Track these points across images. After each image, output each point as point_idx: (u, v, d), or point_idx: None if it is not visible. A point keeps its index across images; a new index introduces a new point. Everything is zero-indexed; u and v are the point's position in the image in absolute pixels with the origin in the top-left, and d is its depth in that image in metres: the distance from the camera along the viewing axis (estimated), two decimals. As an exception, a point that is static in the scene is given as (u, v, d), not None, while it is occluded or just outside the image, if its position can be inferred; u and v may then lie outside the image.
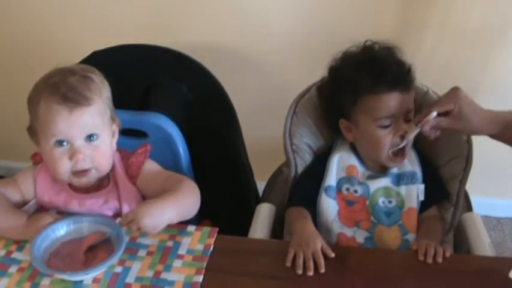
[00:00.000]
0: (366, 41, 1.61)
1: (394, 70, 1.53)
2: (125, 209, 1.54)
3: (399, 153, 1.58)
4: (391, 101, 1.53)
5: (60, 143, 1.44)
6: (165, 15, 2.37)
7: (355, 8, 2.26)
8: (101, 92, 1.47)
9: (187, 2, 2.33)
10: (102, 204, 1.53)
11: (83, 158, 1.45)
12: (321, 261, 1.38)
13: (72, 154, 1.44)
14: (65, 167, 1.46)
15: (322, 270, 1.37)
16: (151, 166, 1.60)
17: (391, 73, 1.52)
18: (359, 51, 1.60)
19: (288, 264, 1.39)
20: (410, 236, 1.59)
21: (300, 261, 1.38)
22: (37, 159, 1.58)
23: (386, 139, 1.55)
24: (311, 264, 1.37)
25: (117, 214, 1.54)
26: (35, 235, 1.39)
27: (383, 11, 2.26)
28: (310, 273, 1.36)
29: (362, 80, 1.54)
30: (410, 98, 1.55)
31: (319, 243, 1.43)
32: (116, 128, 1.55)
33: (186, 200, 1.49)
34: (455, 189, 1.64)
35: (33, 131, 1.49)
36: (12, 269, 1.37)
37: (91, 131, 1.45)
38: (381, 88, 1.52)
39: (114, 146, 1.56)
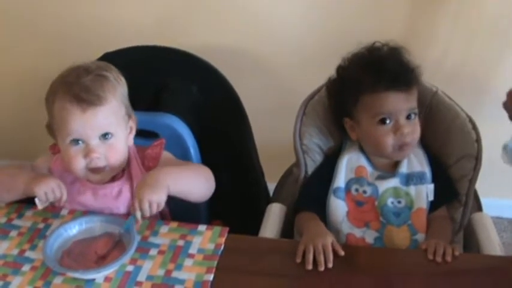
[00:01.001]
0: (374, 42, 1.62)
1: (393, 69, 1.55)
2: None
3: (404, 147, 1.58)
4: (390, 99, 1.54)
5: (75, 141, 1.47)
6: (175, 17, 2.39)
7: (365, 9, 2.26)
8: (116, 90, 1.49)
9: (197, 4, 2.35)
10: (115, 196, 1.55)
11: (97, 156, 1.47)
12: (330, 256, 1.39)
13: (87, 153, 1.47)
14: (80, 164, 1.48)
15: (330, 265, 1.38)
16: (167, 156, 1.63)
17: (390, 72, 1.54)
18: (365, 51, 1.61)
19: (298, 260, 1.40)
20: (420, 236, 1.60)
21: (310, 256, 1.39)
22: (55, 150, 1.60)
23: (388, 137, 1.56)
24: (322, 259, 1.38)
25: (129, 210, 1.56)
26: (35, 187, 1.44)
27: (393, 13, 2.26)
28: (321, 268, 1.37)
29: (363, 79, 1.56)
30: (412, 97, 1.56)
31: (329, 238, 1.44)
32: (133, 124, 1.58)
33: (188, 173, 1.54)
34: (465, 189, 1.64)
35: (50, 129, 1.53)
36: (26, 267, 1.39)
37: (105, 130, 1.47)
38: (379, 86, 1.54)
39: (131, 142, 1.58)
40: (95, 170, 1.50)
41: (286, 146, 1.76)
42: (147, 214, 1.39)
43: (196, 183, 1.56)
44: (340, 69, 1.66)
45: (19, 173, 1.53)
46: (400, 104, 1.54)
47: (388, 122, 1.56)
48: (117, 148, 1.50)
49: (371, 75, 1.55)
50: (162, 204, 1.42)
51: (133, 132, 1.58)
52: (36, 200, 1.45)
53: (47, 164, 1.60)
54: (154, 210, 1.40)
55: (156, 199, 1.39)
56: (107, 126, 1.47)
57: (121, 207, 1.57)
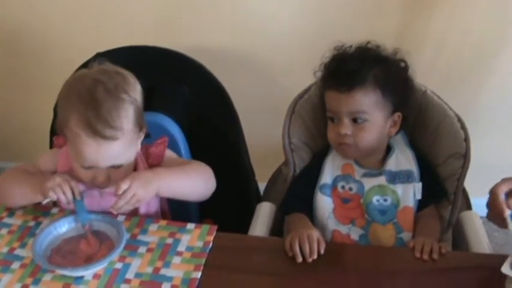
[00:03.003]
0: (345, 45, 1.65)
1: (337, 69, 1.59)
2: None
3: (342, 146, 1.61)
4: (330, 98, 1.60)
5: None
6: (166, 17, 2.40)
7: (358, 9, 2.27)
8: (131, 114, 1.45)
9: (188, 4, 2.35)
10: None
11: (102, 180, 1.49)
12: (315, 246, 1.41)
13: (95, 175, 1.48)
14: (85, 178, 1.50)
15: (315, 256, 1.40)
16: (170, 155, 1.65)
17: (333, 72, 1.60)
18: (334, 51, 1.65)
19: (290, 253, 1.42)
20: (405, 235, 1.60)
21: (296, 248, 1.41)
22: (60, 143, 1.61)
23: (331, 133, 1.62)
24: (307, 247, 1.40)
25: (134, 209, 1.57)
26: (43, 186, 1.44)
27: (386, 14, 2.27)
28: (309, 259, 1.39)
29: (323, 76, 1.64)
30: (354, 100, 1.56)
31: (315, 232, 1.46)
32: (143, 132, 1.56)
33: (185, 175, 1.55)
34: (453, 188, 1.65)
35: (60, 129, 1.50)
36: (15, 265, 1.40)
37: (117, 161, 1.47)
38: (326, 84, 1.61)
39: (139, 146, 1.57)
40: (97, 184, 1.52)
41: (277, 146, 1.77)
42: (122, 203, 1.40)
43: (192, 185, 1.57)
44: None
45: (34, 180, 1.52)
46: (339, 105, 1.57)
47: (335, 120, 1.60)
48: (124, 169, 1.50)
49: (325, 74, 1.63)
50: (143, 202, 1.45)
51: (142, 137, 1.57)
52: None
53: (52, 164, 1.60)
54: (132, 203, 1.41)
55: (141, 195, 1.42)
56: (119, 159, 1.47)
57: None
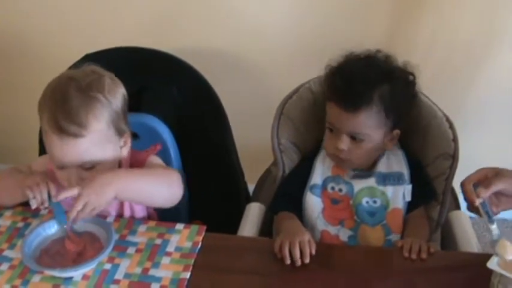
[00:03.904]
0: (351, 52, 1.61)
1: (345, 88, 1.54)
2: (126, 205, 1.57)
3: (337, 158, 1.61)
4: (333, 112, 1.57)
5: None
6: (156, 19, 2.40)
7: (348, 11, 2.27)
8: (103, 113, 1.43)
9: (179, 6, 2.35)
10: None
11: (74, 179, 1.45)
12: (307, 251, 1.40)
13: (68, 177, 1.46)
14: (61, 179, 1.49)
15: (307, 260, 1.40)
16: (152, 160, 1.61)
17: (340, 89, 1.55)
18: (342, 59, 1.61)
19: (279, 255, 1.41)
20: (394, 237, 1.61)
21: (286, 251, 1.40)
22: None
23: (328, 143, 1.61)
24: (297, 253, 1.40)
25: (120, 213, 1.57)
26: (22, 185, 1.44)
27: (376, 15, 2.27)
28: (298, 263, 1.39)
29: (327, 85, 1.61)
30: (357, 121, 1.53)
31: (306, 236, 1.45)
32: (126, 139, 1.54)
33: (147, 179, 1.49)
34: (442, 188, 1.65)
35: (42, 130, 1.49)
36: (4, 266, 1.40)
37: (84, 159, 1.43)
38: (330, 96, 1.58)
39: (125, 154, 1.55)
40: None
41: (266, 147, 1.77)
42: (74, 213, 1.35)
43: (154, 188, 1.50)
44: None
45: (20, 176, 1.53)
46: (341, 122, 1.55)
47: (333, 131, 1.58)
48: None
49: (330, 83, 1.59)
50: (99, 209, 1.39)
51: (128, 145, 1.55)
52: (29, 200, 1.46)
53: (45, 165, 1.59)
54: (87, 211, 1.36)
55: (95, 203, 1.36)
56: (87, 156, 1.43)
57: (112, 211, 1.57)
